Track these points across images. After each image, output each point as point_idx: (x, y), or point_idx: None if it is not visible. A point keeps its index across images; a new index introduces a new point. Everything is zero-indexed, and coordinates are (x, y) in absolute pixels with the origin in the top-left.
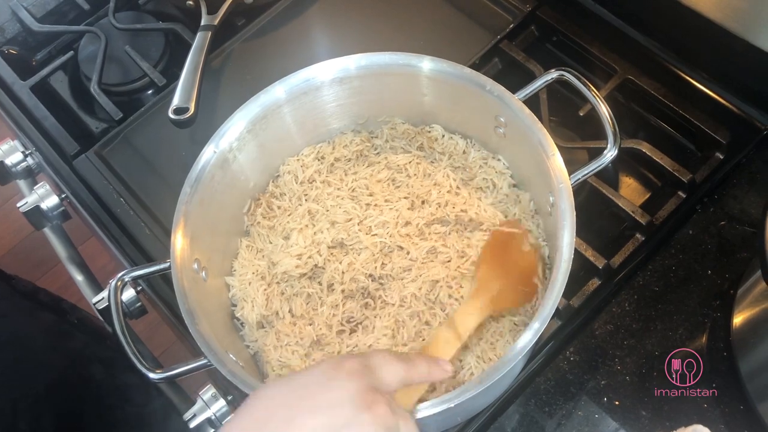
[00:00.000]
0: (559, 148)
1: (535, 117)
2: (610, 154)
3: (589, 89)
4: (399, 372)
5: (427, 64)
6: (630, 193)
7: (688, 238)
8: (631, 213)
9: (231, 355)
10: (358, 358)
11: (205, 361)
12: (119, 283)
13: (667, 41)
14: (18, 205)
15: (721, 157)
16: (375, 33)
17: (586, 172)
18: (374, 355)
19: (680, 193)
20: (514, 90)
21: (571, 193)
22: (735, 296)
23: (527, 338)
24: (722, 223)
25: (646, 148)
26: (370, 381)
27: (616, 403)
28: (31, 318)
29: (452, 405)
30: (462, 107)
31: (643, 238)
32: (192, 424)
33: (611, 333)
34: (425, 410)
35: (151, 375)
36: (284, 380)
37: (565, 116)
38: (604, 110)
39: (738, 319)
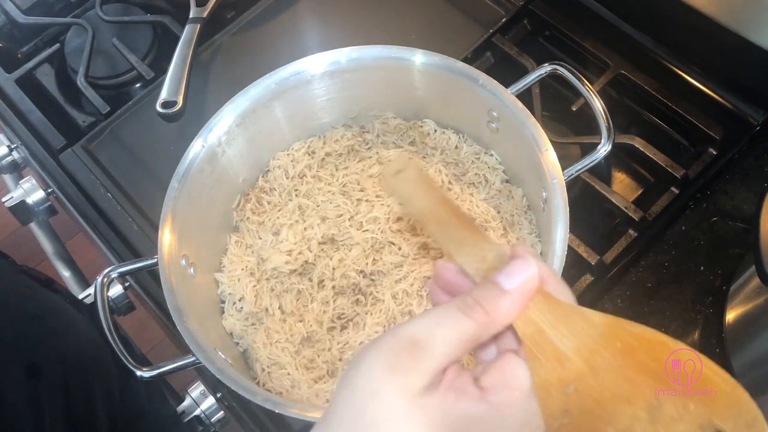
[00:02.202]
0: (552, 143)
1: (528, 111)
2: (604, 149)
3: (582, 83)
4: None
5: (419, 57)
6: (623, 188)
7: (681, 234)
8: (624, 209)
9: (220, 353)
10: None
11: (193, 358)
12: (105, 279)
13: (661, 36)
14: (3, 199)
15: (714, 152)
16: (366, 27)
17: (579, 167)
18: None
19: (673, 188)
20: (506, 85)
21: (565, 188)
22: (728, 292)
23: None
24: (714, 219)
25: (639, 143)
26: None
27: None
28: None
29: None
30: (454, 101)
31: (636, 234)
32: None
33: None
34: None
35: (139, 372)
36: None
37: (558, 111)
38: (597, 105)
39: (731, 316)
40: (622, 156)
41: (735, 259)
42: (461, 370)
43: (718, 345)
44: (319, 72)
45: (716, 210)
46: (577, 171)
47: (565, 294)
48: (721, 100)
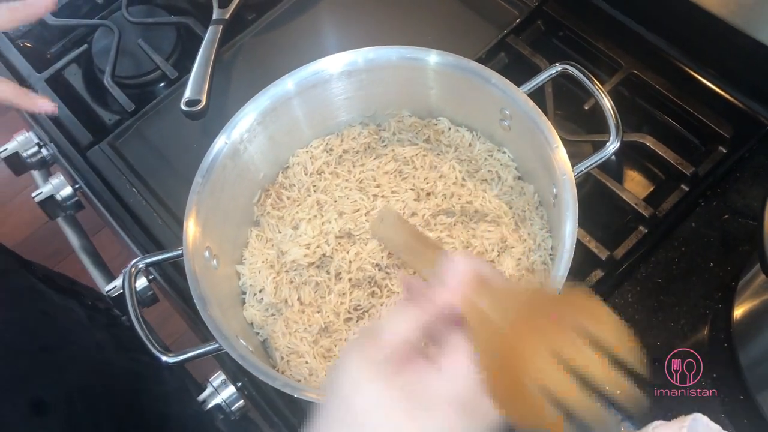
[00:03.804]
0: (564, 141)
1: (540, 110)
2: (612, 146)
3: (592, 83)
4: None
5: (433, 57)
6: (634, 186)
7: (691, 230)
8: (635, 205)
9: (241, 341)
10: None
11: (216, 345)
12: (133, 269)
13: (672, 36)
14: (33, 195)
15: (725, 151)
16: (383, 27)
17: (588, 164)
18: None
19: (683, 186)
20: (519, 84)
21: (574, 184)
22: (736, 288)
23: None
24: (725, 216)
25: (649, 141)
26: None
27: (617, 391)
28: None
29: None
30: (468, 100)
31: (646, 231)
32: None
33: None
34: None
35: (164, 358)
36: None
37: (571, 110)
38: (607, 103)
39: (738, 311)
40: (633, 154)
41: (744, 256)
42: (418, 352)
43: (726, 340)
44: (337, 72)
45: (727, 207)
46: (586, 167)
47: (498, 279)
48: (731, 99)
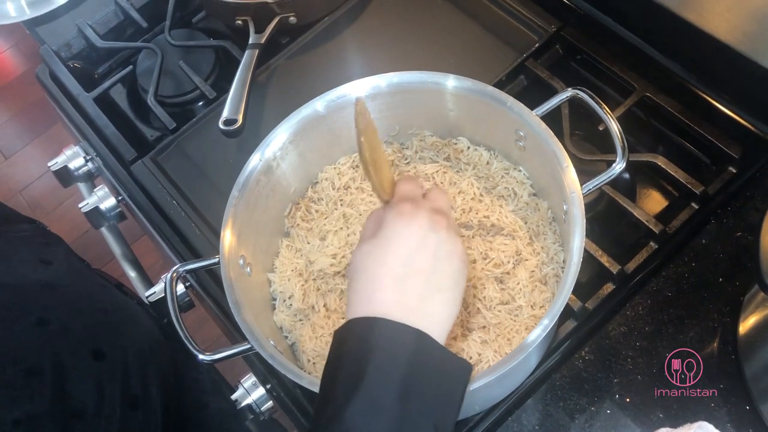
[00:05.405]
0: (580, 160)
1: (551, 132)
2: (618, 167)
3: (601, 107)
4: (444, 199)
5: (451, 82)
6: (648, 203)
7: (702, 247)
8: (645, 222)
9: (271, 342)
10: (415, 203)
11: (248, 346)
12: (175, 274)
13: (683, 60)
14: (79, 205)
15: (734, 171)
16: (407, 52)
17: (596, 183)
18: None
19: (693, 204)
20: (536, 105)
21: (582, 201)
22: (742, 302)
23: (537, 333)
24: (738, 233)
25: (661, 161)
26: (431, 210)
27: (627, 400)
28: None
29: (468, 391)
30: (485, 122)
31: (657, 246)
32: None
33: (624, 334)
34: None
35: (201, 356)
36: (372, 244)
37: (587, 131)
38: (614, 126)
39: (744, 324)
40: (648, 172)
41: (752, 272)
42: None
43: (733, 352)
44: (363, 95)
45: (737, 225)
46: (594, 186)
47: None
48: (741, 121)
